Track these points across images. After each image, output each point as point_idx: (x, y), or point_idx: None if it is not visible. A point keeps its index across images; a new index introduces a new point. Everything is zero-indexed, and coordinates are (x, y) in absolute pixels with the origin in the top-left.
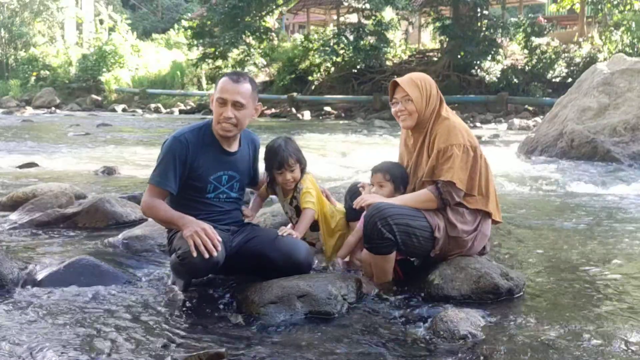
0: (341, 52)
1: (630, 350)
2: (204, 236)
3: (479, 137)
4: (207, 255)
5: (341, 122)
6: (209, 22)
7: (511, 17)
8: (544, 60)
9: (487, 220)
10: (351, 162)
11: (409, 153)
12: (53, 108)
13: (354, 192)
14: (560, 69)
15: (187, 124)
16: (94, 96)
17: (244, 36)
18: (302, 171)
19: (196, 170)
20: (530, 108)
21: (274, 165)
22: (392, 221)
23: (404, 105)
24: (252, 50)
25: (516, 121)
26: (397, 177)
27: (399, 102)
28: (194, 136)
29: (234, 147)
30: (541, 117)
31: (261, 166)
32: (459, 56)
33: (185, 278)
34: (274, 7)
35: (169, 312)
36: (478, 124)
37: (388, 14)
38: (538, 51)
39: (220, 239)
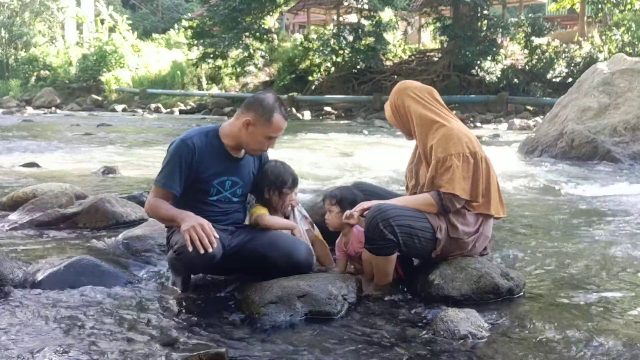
0: (340, 52)
1: (630, 350)
2: (201, 231)
3: (479, 137)
4: (202, 251)
5: (341, 122)
6: (209, 22)
7: (511, 17)
8: (544, 60)
9: (488, 222)
10: (351, 162)
11: (412, 157)
12: (53, 108)
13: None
14: (560, 69)
15: (196, 126)
16: (94, 96)
17: (244, 37)
18: None
19: (201, 174)
20: (531, 108)
21: (287, 184)
22: (394, 222)
23: None
24: (252, 50)
25: (516, 121)
26: (344, 199)
27: None
28: (201, 140)
29: (240, 154)
30: (541, 117)
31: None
32: (459, 56)
33: (182, 273)
34: (274, 7)
35: (169, 312)
36: (478, 124)
37: (387, 14)
38: (538, 51)
39: (217, 235)
